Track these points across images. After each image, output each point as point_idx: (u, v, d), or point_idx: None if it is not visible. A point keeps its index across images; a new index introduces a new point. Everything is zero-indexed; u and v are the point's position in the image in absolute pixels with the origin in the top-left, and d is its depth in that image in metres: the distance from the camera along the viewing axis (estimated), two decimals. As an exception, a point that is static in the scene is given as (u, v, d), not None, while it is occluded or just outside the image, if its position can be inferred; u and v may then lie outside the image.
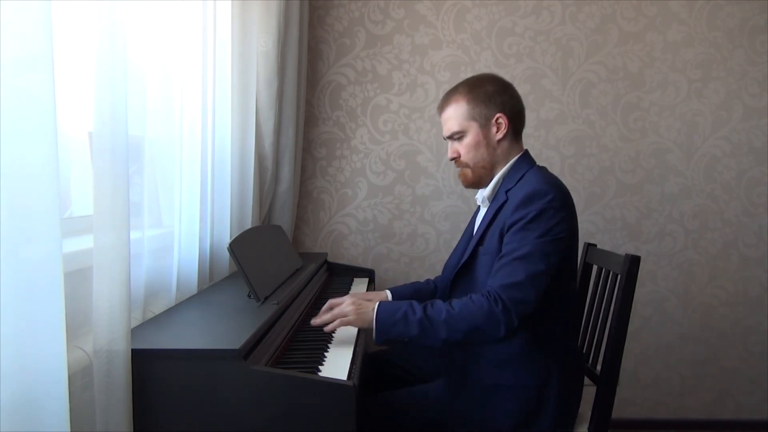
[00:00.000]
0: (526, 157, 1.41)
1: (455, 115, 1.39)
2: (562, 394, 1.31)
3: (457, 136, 1.40)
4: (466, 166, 1.41)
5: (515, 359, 1.30)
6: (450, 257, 1.60)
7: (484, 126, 1.38)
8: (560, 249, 1.24)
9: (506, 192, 1.35)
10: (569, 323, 1.39)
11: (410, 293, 1.65)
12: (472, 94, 1.38)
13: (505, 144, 1.39)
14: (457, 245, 1.59)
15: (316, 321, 1.30)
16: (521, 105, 1.43)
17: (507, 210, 1.30)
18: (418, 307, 1.23)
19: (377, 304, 1.26)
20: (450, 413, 1.33)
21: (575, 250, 1.36)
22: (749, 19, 2.37)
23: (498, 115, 1.37)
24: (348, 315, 1.26)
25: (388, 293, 1.63)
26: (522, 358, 1.30)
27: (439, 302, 1.25)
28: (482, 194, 1.44)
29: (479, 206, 1.53)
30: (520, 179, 1.35)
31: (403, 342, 1.23)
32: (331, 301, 1.33)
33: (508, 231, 1.27)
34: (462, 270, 1.40)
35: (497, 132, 1.38)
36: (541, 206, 1.24)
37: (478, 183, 1.43)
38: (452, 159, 1.43)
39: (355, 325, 1.27)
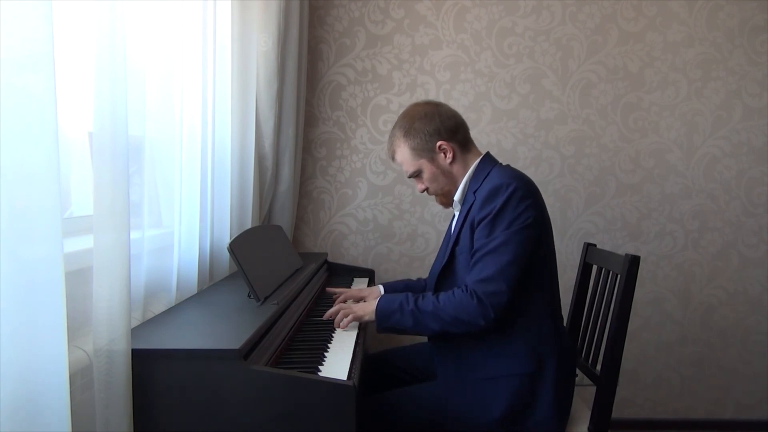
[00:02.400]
0: (488, 158, 1.47)
1: (404, 160, 1.49)
2: (557, 383, 1.32)
3: (416, 174, 1.49)
4: (437, 193, 1.51)
5: (505, 348, 1.33)
6: (434, 263, 1.64)
7: (433, 159, 1.45)
8: (530, 235, 1.30)
9: (474, 192, 1.41)
10: (554, 306, 1.40)
11: (402, 288, 1.72)
12: (408, 136, 1.46)
13: (458, 162, 1.46)
14: (439, 251, 1.64)
15: (328, 314, 1.44)
16: (454, 119, 1.47)
17: (475, 208, 1.36)
18: (411, 298, 1.34)
19: (380, 297, 1.39)
20: (447, 408, 1.34)
21: (549, 235, 1.40)
22: (749, 19, 2.37)
23: (438, 143, 1.44)
24: (356, 311, 1.40)
25: (381, 288, 1.71)
26: (509, 346, 1.33)
27: (429, 295, 1.35)
28: (455, 200, 1.50)
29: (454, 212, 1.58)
30: (485, 178, 1.41)
31: (402, 330, 1.35)
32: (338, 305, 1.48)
33: (477, 227, 1.33)
34: (444, 270, 1.46)
35: (446, 157, 1.45)
36: (505, 198, 1.30)
37: (452, 202, 1.51)
38: (423, 191, 1.51)
39: (359, 315, 1.39)
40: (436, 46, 2.37)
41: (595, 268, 1.65)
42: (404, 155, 1.48)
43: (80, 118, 1.20)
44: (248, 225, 1.84)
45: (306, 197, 2.41)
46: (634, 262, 1.38)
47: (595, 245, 1.71)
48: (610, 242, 2.42)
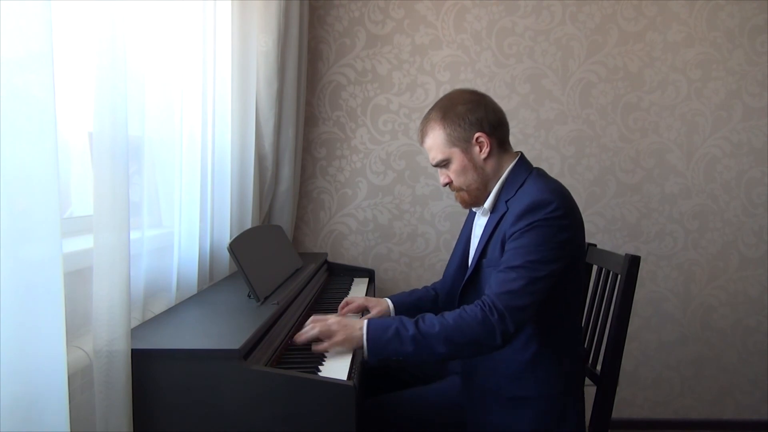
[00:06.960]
0: (522, 163, 1.37)
1: (435, 144, 1.36)
2: (581, 401, 1.31)
3: (443, 163, 1.37)
4: (460, 189, 1.38)
5: (531, 369, 1.27)
6: (449, 264, 1.56)
7: (466, 149, 1.33)
8: (563, 256, 1.22)
9: (506, 202, 1.32)
10: (579, 328, 1.39)
11: (413, 301, 1.58)
12: (446, 119, 1.33)
13: (492, 160, 1.34)
14: (454, 250, 1.56)
15: (299, 338, 1.21)
16: (499, 114, 1.37)
17: (508, 220, 1.27)
18: (409, 322, 1.18)
19: (365, 322, 1.20)
20: (464, 421, 1.31)
21: (582, 257, 1.34)
22: (749, 19, 2.37)
23: (477, 135, 1.32)
24: (335, 335, 1.19)
25: (389, 302, 1.55)
26: (538, 367, 1.28)
27: (430, 316, 1.21)
28: (484, 207, 1.39)
29: (472, 211, 1.49)
30: (519, 188, 1.31)
31: (402, 359, 1.19)
32: (314, 317, 1.26)
33: (508, 239, 1.25)
34: (468, 283, 1.37)
35: (481, 151, 1.33)
36: (543, 215, 1.21)
37: (476, 203, 1.39)
38: (445, 185, 1.40)
39: (344, 347, 1.19)
40: (436, 46, 2.37)
41: (595, 268, 1.65)
42: (436, 140, 1.34)
43: (80, 118, 1.20)
44: (248, 225, 1.84)
45: (306, 197, 2.41)
46: (634, 262, 1.37)
47: (595, 245, 1.71)
48: (610, 242, 2.42)
